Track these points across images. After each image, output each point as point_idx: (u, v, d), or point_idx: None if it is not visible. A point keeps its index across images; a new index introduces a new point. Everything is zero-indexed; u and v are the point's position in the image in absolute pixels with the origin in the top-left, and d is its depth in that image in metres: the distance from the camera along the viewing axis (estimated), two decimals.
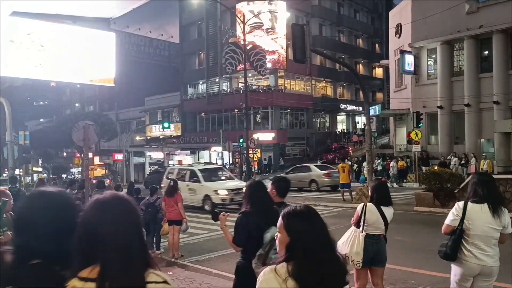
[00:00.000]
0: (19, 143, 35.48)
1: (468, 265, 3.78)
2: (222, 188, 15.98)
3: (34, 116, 55.11)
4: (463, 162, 23.24)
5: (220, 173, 18.73)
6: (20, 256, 1.62)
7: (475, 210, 3.78)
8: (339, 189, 18.10)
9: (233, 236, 3.90)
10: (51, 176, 51.05)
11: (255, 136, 29.47)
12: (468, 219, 3.77)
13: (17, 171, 30.03)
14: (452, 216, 3.88)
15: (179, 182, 15.35)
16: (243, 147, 28.46)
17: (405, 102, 29.03)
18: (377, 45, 54.14)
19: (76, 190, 11.58)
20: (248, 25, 31.19)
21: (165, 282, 1.56)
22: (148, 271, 1.55)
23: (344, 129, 48.47)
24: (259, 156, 37.52)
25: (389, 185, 23.01)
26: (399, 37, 30.78)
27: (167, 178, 17.50)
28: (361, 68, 50.85)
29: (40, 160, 55.39)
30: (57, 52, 14.19)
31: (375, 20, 53.94)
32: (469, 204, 3.82)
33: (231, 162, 36.47)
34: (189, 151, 42.99)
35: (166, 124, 33.02)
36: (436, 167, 19.89)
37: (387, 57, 38.37)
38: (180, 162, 42.49)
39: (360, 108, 45.60)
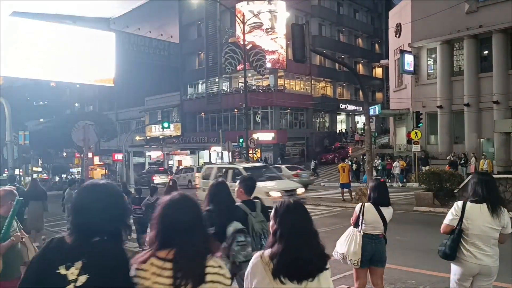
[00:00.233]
0: (19, 143, 35.47)
1: (467, 264, 3.78)
2: (274, 189, 14.05)
3: (34, 116, 54.99)
4: (462, 162, 23.25)
5: (266, 172, 16.68)
6: (81, 235, 1.93)
7: (474, 209, 3.78)
8: (339, 188, 18.09)
9: None
10: (49, 177, 51.11)
11: (255, 136, 29.50)
12: (467, 218, 3.77)
13: (17, 171, 30.07)
14: (451, 216, 3.89)
15: None
16: (242, 147, 28.45)
17: (405, 102, 29.04)
18: (376, 45, 54.14)
19: (76, 190, 11.57)
20: (248, 25, 31.20)
21: (219, 267, 1.96)
22: (209, 256, 1.96)
23: (342, 129, 48.43)
24: (259, 156, 37.55)
25: (394, 184, 23.21)
26: (398, 36, 30.78)
27: (204, 179, 16.20)
28: (360, 68, 50.86)
29: (40, 160, 55.36)
30: (57, 52, 14.18)
31: (374, 19, 53.93)
32: (468, 203, 3.82)
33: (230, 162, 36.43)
34: (188, 151, 43.01)
35: (165, 124, 32.96)
36: (447, 167, 20.00)
37: (387, 57, 38.39)
38: (179, 162, 42.56)
39: (360, 108, 45.60)
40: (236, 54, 25.62)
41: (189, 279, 1.86)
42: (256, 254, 2.25)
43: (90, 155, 24.93)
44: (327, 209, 15.55)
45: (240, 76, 37.89)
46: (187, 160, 43.19)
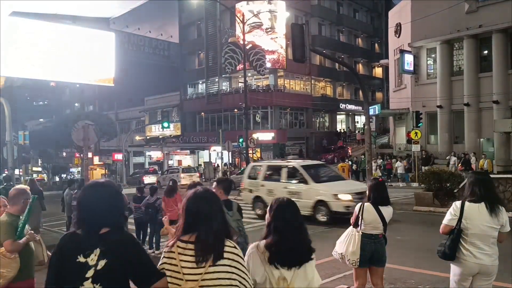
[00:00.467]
0: (18, 143, 35.48)
1: (467, 264, 3.79)
2: (343, 192, 11.89)
3: (33, 116, 55.03)
4: (462, 162, 23.21)
5: (327, 170, 14.54)
6: (88, 228, 2.24)
7: (472, 209, 3.78)
8: None
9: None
10: (48, 177, 51.04)
11: (255, 135, 29.51)
12: (466, 218, 3.78)
13: (16, 171, 30.07)
14: (449, 216, 3.89)
15: (269, 183, 13.51)
16: (242, 147, 28.45)
17: (405, 102, 29.05)
18: (376, 45, 54.12)
19: (76, 190, 11.56)
20: (248, 25, 31.21)
21: (235, 247, 2.33)
22: (226, 239, 2.32)
23: (342, 129, 48.41)
24: (259, 156, 37.55)
25: (400, 184, 23.15)
26: (398, 36, 30.78)
27: (250, 178, 14.46)
28: (360, 68, 50.85)
29: (39, 160, 55.34)
30: (57, 52, 14.15)
31: (374, 19, 53.92)
32: (467, 203, 3.82)
33: (230, 162, 36.48)
34: (188, 151, 43.02)
35: (165, 124, 33.00)
36: (459, 166, 20.02)
37: (387, 57, 38.39)
38: (179, 162, 42.53)
39: (360, 108, 45.61)
40: (236, 54, 25.63)
41: (209, 256, 2.23)
42: (252, 245, 2.67)
43: (90, 155, 24.92)
44: None
45: (240, 76, 37.89)
46: (187, 160, 43.17)
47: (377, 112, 30.27)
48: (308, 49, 14.17)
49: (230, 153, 29.97)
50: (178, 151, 42.99)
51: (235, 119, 40.78)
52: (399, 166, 24.69)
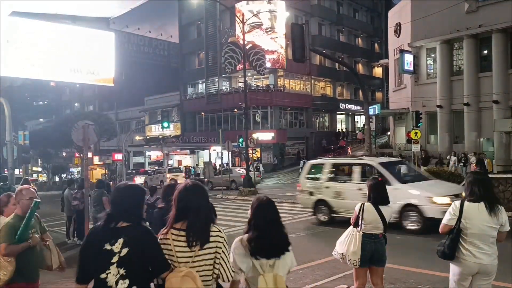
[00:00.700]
0: (18, 143, 35.48)
1: (466, 264, 3.79)
2: (440, 194, 10.23)
3: (33, 116, 54.99)
4: (462, 161, 23.22)
5: (408, 169, 13.13)
6: (115, 221, 2.63)
7: (471, 209, 3.79)
8: None
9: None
10: (48, 177, 51.05)
11: (255, 135, 29.45)
12: (465, 218, 3.78)
13: (16, 171, 30.07)
14: (449, 216, 3.90)
15: (336, 184, 11.74)
16: (242, 147, 28.45)
17: (405, 102, 29.04)
18: (376, 45, 54.11)
19: (76, 190, 11.57)
20: (248, 25, 31.20)
21: (219, 231, 2.73)
22: (212, 225, 2.72)
23: (342, 129, 48.39)
24: (259, 156, 37.55)
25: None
26: (398, 36, 30.77)
27: (307, 178, 12.90)
28: (360, 68, 50.84)
29: (39, 160, 55.33)
30: (57, 52, 14.15)
31: (374, 19, 53.91)
32: (466, 203, 3.83)
33: (226, 162, 36.55)
34: (188, 151, 43.02)
35: (165, 124, 32.90)
36: (473, 166, 19.95)
37: (387, 57, 38.37)
38: (179, 162, 42.55)
39: (360, 108, 45.61)
40: (235, 53, 25.53)
41: (198, 240, 2.61)
42: (237, 239, 3.02)
43: (89, 155, 24.90)
44: None
45: (239, 76, 37.87)
46: (187, 160, 43.20)
47: (377, 112, 30.26)
48: (308, 49, 14.18)
49: (230, 153, 29.92)
50: (178, 151, 43.00)
51: (235, 119, 40.77)
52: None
